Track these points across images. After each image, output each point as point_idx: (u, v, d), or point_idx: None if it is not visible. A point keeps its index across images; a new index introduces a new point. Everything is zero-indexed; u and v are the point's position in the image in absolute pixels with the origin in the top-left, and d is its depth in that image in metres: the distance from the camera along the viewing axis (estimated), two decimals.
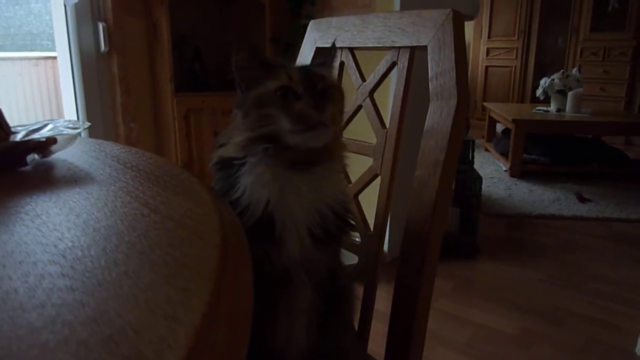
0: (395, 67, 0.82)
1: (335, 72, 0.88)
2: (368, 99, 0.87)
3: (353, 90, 0.89)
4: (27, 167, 0.65)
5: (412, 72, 0.81)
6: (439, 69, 0.71)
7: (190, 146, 2.36)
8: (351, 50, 0.90)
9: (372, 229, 0.86)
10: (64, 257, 0.36)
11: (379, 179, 0.85)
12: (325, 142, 0.58)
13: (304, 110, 0.57)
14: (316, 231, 0.59)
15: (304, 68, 0.64)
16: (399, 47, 0.81)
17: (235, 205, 0.58)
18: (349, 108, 0.89)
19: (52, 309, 0.29)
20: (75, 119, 2.20)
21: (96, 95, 2.23)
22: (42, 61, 3.10)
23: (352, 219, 0.66)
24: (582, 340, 1.75)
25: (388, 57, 0.83)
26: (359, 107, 0.89)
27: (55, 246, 0.38)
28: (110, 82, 2.25)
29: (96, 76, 2.22)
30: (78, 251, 0.37)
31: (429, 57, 0.73)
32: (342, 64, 0.92)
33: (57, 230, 0.42)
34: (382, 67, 0.85)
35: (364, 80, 0.89)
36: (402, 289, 0.74)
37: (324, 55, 0.70)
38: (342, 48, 0.91)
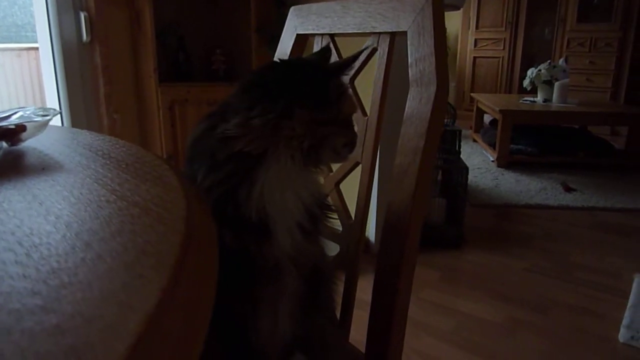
0: (376, 54, 0.81)
1: None
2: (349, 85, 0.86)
3: None
4: None
5: (392, 58, 0.79)
6: (418, 55, 0.70)
7: (175, 137, 2.33)
8: (332, 36, 0.89)
9: (353, 218, 0.86)
10: (20, 244, 0.35)
11: (360, 167, 0.84)
12: None
13: (355, 136, 0.66)
14: (305, 224, 0.61)
15: None
16: (379, 33, 0.79)
17: (236, 200, 0.57)
18: None
19: None
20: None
21: (79, 86, 2.19)
22: (25, 52, 3.04)
23: (330, 203, 0.68)
24: (566, 328, 1.76)
25: (368, 43, 0.82)
26: None
27: (13, 233, 0.37)
28: (93, 73, 2.20)
29: (78, 66, 2.17)
30: (36, 238, 0.36)
31: (408, 43, 0.72)
32: None
33: (16, 217, 0.40)
34: (362, 54, 0.83)
35: None
36: (382, 277, 0.74)
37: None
38: (322, 34, 0.90)
